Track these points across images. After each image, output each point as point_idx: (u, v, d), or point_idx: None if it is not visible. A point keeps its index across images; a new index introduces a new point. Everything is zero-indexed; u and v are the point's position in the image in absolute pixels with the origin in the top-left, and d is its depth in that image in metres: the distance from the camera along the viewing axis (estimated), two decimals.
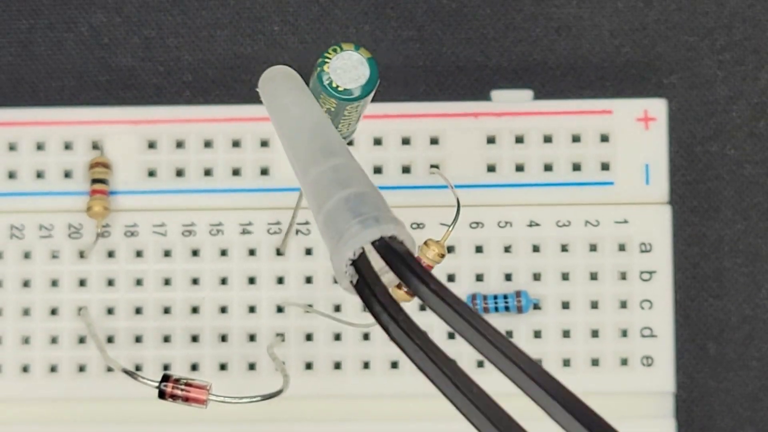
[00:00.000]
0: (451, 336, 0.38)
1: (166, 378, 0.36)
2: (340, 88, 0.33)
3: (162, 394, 0.36)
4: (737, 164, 0.43)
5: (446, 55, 0.44)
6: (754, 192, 0.43)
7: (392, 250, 0.29)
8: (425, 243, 0.36)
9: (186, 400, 0.36)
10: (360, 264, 0.29)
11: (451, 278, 0.40)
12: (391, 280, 0.30)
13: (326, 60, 0.33)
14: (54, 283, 0.40)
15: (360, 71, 0.33)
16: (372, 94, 0.33)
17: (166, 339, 0.40)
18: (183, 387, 0.36)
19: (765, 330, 0.43)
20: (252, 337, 0.40)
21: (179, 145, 0.40)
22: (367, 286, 0.29)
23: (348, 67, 0.33)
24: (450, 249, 0.40)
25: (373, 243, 0.29)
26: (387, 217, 0.29)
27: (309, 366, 0.40)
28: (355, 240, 0.29)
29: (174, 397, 0.36)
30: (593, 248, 0.40)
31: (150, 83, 0.44)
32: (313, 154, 0.31)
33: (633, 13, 0.43)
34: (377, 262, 0.29)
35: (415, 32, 0.44)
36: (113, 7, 0.44)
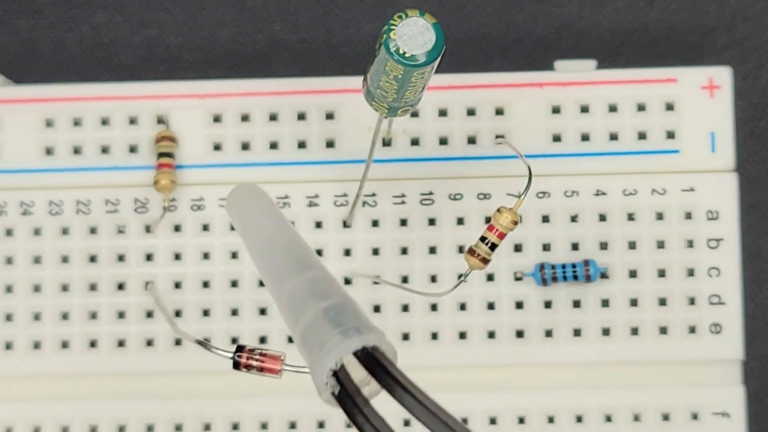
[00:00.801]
0: None
1: (240, 348, 0.36)
2: (407, 55, 0.33)
3: (237, 365, 0.36)
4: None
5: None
6: (752, 190, 0.44)
7: (375, 360, 0.28)
8: (498, 210, 0.36)
9: (260, 370, 0.36)
10: (341, 375, 0.28)
11: (518, 248, 0.40)
12: (374, 391, 0.29)
13: (392, 27, 0.33)
14: (120, 258, 0.40)
15: (426, 37, 0.33)
16: (438, 61, 0.33)
17: (234, 312, 0.40)
18: (258, 357, 0.35)
19: None
20: None
21: (245, 118, 0.40)
22: (349, 397, 0.28)
23: (414, 33, 0.33)
24: None
25: (354, 353, 0.29)
26: (368, 327, 0.29)
27: None
28: (337, 350, 0.28)
29: (248, 367, 0.36)
30: (660, 216, 0.40)
31: None
32: (288, 268, 0.31)
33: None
34: (357, 374, 0.29)
35: None
36: (114, 6, 0.44)
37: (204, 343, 0.36)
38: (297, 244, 0.32)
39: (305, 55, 0.45)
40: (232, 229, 0.40)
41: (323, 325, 0.29)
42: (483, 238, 0.36)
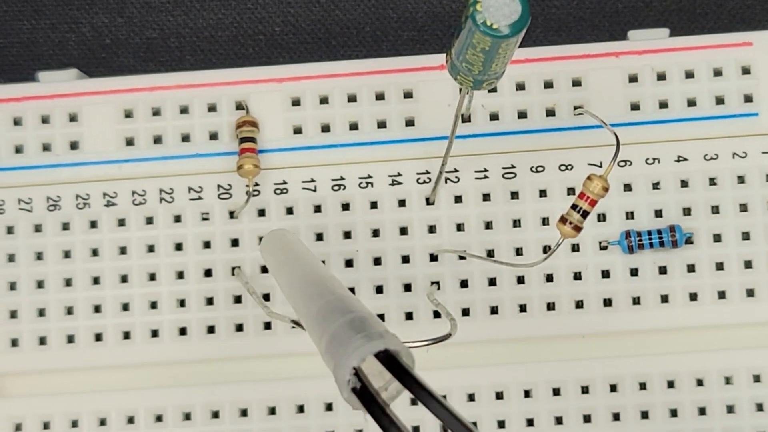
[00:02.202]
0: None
1: None
2: (494, 26, 0.33)
3: None
4: None
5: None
6: None
7: (396, 361, 0.30)
8: (588, 177, 0.36)
9: None
10: (362, 374, 0.30)
11: (601, 217, 0.40)
12: (390, 397, 0.30)
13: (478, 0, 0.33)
14: (206, 245, 0.40)
15: (512, 8, 0.33)
16: (524, 31, 0.33)
17: None
18: None
19: None
20: (407, 287, 0.40)
21: (323, 100, 0.40)
22: (368, 393, 0.29)
23: (500, 4, 0.33)
24: None
25: (377, 355, 0.30)
26: (390, 335, 0.30)
27: (466, 312, 0.40)
28: (361, 350, 0.30)
29: None
30: (741, 180, 0.40)
31: None
32: (318, 290, 0.33)
33: None
34: (376, 381, 0.30)
35: (416, 33, 0.45)
36: (115, 8, 0.45)
37: (299, 323, 0.37)
38: (322, 273, 0.34)
39: (306, 56, 0.46)
40: (317, 210, 0.40)
41: (347, 332, 0.30)
42: (574, 206, 0.36)
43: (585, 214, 0.36)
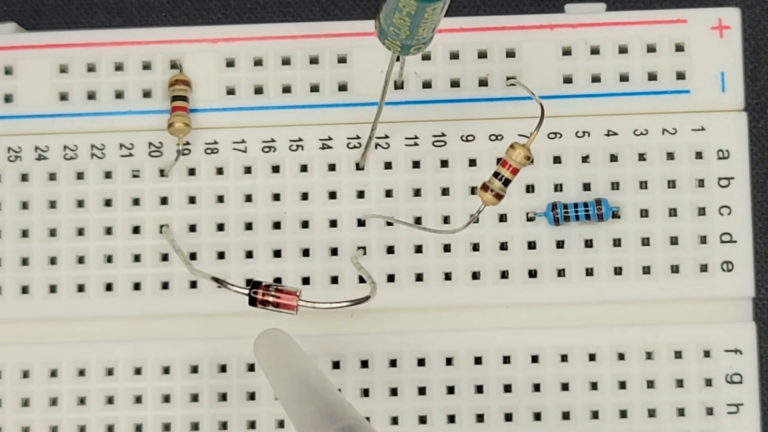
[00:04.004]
0: None
1: (256, 285, 0.36)
2: None
3: (253, 301, 0.36)
4: None
5: None
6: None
7: None
8: (511, 146, 0.36)
9: (276, 306, 0.36)
10: None
11: (529, 189, 0.40)
12: None
13: None
14: (135, 202, 0.40)
15: None
16: None
17: (249, 254, 0.40)
18: (273, 293, 0.36)
19: None
20: (334, 251, 0.40)
21: (258, 62, 0.40)
22: None
23: None
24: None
25: None
26: None
27: (391, 278, 0.40)
28: None
29: (265, 303, 0.36)
30: (671, 156, 0.40)
31: None
32: (309, 396, 0.33)
33: None
34: None
35: None
36: (115, 8, 0.45)
37: (220, 280, 0.37)
38: (315, 375, 0.34)
39: None
40: (247, 172, 0.40)
41: None
42: (496, 174, 0.36)
43: (507, 182, 0.36)
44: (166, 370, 0.40)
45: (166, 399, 0.40)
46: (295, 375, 0.35)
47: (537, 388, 0.40)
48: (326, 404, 0.33)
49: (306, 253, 0.40)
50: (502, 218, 0.40)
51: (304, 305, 0.36)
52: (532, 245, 0.40)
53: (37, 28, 0.44)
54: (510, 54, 0.40)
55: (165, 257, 0.40)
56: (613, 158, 0.40)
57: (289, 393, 0.34)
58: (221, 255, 0.40)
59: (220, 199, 0.40)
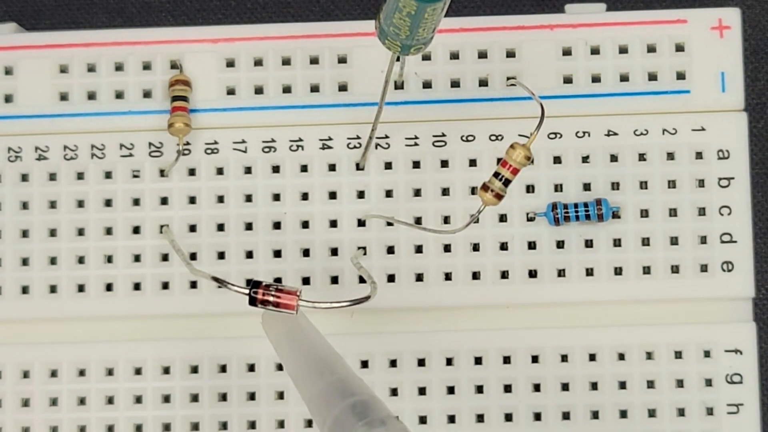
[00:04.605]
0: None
1: (256, 284, 0.36)
2: None
3: (253, 301, 0.36)
4: None
5: None
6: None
7: None
8: (511, 146, 0.36)
9: (276, 305, 0.36)
10: None
11: (530, 189, 0.40)
12: None
13: None
14: (136, 202, 0.40)
15: None
16: None
17: (249, 255, 0.40)
18: (273, 293, 0.36)
19: None
20: (334, 251, 0.40)
21: (258, 62, 0.40)
22: None
23: None
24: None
25: None
26: (392, 421, 0.30)
27: (391, 278, 0.40)
28: None
29: (265, 303, 0.36)
30: (671, 156, 0.40)
31: None
32: (320, 370, 0.33)
33: None
34: None
35: None
36: (115, 8, 0.45)
37: (220, 280, 0.37)
38: (327, 351, 0.34)
39: None
40: (247, 172, 0.40)
41: (349, 418, 0.30)
42: (496, 174, 0.36)
43: (507, 183, 0.36)
44: (166, 370, 0.40)
45: (166, 399, 0.40)
46: (306, 349, 0.34)
47: (537, 388, 0.40)
48: (337, 379, 0.32)
49: (306, 253, 0.40)
50: (503, 218, 0.40)
51: (305, 305, 0.36)
52: (532, 245, 0.40)
53: (37, 28, 0.45)
54: (510, 54, 0.40)
55: (165, 257, 0.40)
56: (614, 158, 0.40)
57: (299, 367, 0.34)
58: (221, 255, 0.40)
59: (221, 199, 0.40)
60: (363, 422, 0.30)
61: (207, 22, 0.45)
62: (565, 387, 0.40)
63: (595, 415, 0.39)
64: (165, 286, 0.40)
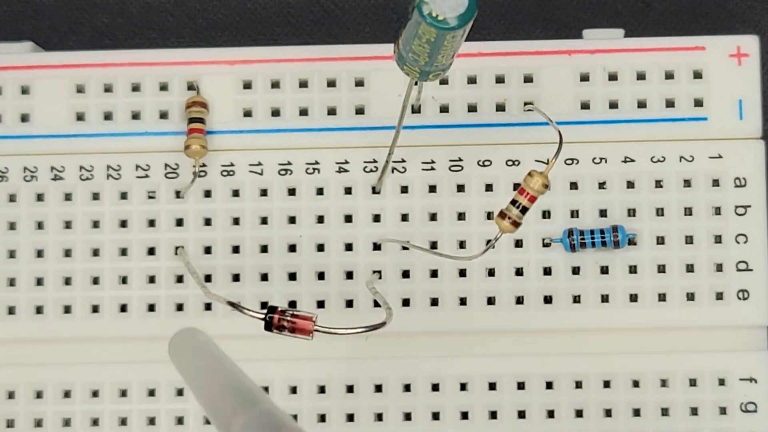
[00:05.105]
0: None
1: (272, 309, 0.36)
2: (440, 18, 0.33)
3: (268, 326, 0.36)
4: None
5: None
6: None
7: None
8: (529, 174, 0.36)
9: (292, 331, 0.36)
10: None
11: (546, 214, 0.40)
12: None
13: None
14: (151, 223, 0.40)
15: (459, 0, 0.33)
16: (470, 24, 0.33)
17: (264, 277, 0.40)
18: (289, 318, 0.36)
19: None
20: (349, 275, 0.40)
21: (275, 85, 0.40)
22: None
23: None
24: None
25: None
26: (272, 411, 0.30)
27: (406, 303, 0.40)
28: None
29: (280, 328, 0.36)
30: (687, 183, 0.40)
31: None
32: (240, 404, 0.31)
33: None
34: None
35: None
36: (116, 8, 0.45)
37: (236, 305, 0.37)
38: (242, 381, 0.33)
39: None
40: (263, 194, 0.40)
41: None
42: (514, 202, 0.36)
43: (524, 210, 0.36)
44: (180, 392, 0.40)
45: (180, 421, 0.40)
46: (224, 381, 0.33)
47: (551, 414, 0.40)
48: (264, 411, 0.31)
49: (321, 276, 0.40)
50: (518, 244, 0.40)
51: (321, 330, 0.36)
52: (547, 271, 0.40)
53: (36, 28, 0.44)
54: (528, 79, 0.40)
55: (180, 279, 0.40)
56: (630, 185, 0.40)
57: (211, 404, 0.33)
58: (236, 277, 0.40)
59: (236, 221, 0.40)
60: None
61: (207, 21, 0.44)
62: (579, 414, 0.40)
63: None
64: (179, 307, 0.40)
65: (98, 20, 0.44)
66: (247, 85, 0.40)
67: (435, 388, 0.40)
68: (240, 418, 0.31)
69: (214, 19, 0.44)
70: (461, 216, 0.40)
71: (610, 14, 0.45)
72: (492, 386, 0.40)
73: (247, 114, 0.40)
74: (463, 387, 0.40)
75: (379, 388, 0.40)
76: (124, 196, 0.40)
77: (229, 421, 0.31)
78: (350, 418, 0.40)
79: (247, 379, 0.33)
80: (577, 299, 0.40)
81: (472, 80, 0.40)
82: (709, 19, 0.44)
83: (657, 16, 0.44)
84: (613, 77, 0.40)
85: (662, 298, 0.40)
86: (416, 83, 0.38)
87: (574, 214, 0.40)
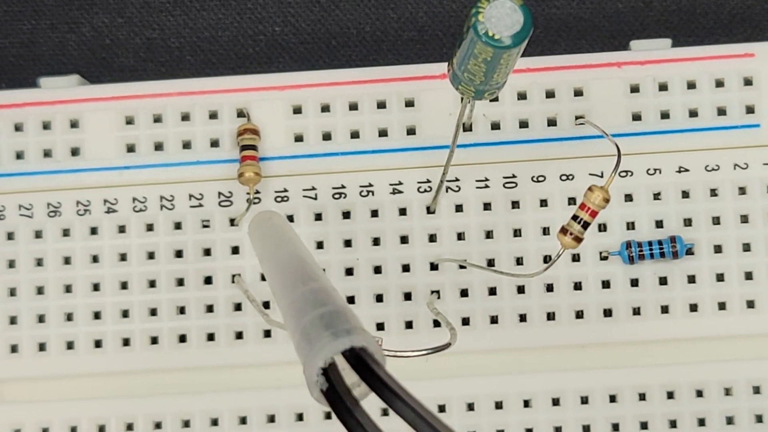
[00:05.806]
0: None
1: None
2: (496, 37, 0.33)
3: None
4: None
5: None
6: None
7: (361, 360, 0.29)
8: (589, 188, 0.36)
9: None
10: (331, 374, 0.29)
11: (602, 227, 0.40)
12: (364, 392, 0.29)
13: (480, 9, 0.33)
14: (207, 252, 0.40)
15: (514, 18, 0.33)
16: (526, 42, 0.33)
17: None
18: None
19: None
20: (407, 296, 0.40)
21: (325, 108, 0.40)
22: (337, 395, 0.28)
23: (502, 15, 0.33)
24: None
25: (344, 353, 0.29)
26: (358, 330, 0.30)
27: (466, 321, 0.40)
28: (327, 349, 0.29)
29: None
30: (742, 191, 0.40)
31: None
32: (294, 280, 0.32)
33: None
34: (350, 377, 0.29)
35: (416, 33, 0.45)
36: (115, 8, 0.45)
37: None
38: (303, 260, 0.33)
39: (306, 56, 0.45)
40: (317, 219, 0.40)
41: (317, 328, 0.30)
42: (575, 217, 0.36)
43: (586, 225, 0.36)
44: (243, 420, 0.40)
45: None
46: (284, 259, 0.34)
47: (616, 427, 0.40)
48: (310, 290, 0.31)
49: (380, 298, 0.40)
50: (575, 258, 0.40)
51: (387, 354, 0.36)
52: (606, 284, 0.40)
53: (36, 29, 0.44)
54: (578, 93, 0.40)
55: (238, 307, 0.40)
56: (685, 194, 0.40)
57: (276, 278, 0.33)
58: None
59: None
60: (328, 332, 0.29)
61: (207, 21, 0.44)
62: (644, 426, 0.39)
63: None
64: (239, 335, 0.40)
65: (98, 20, 0.44)
66: (297, 110, 0.40)
67: (498, 406, 0.40)
68: (293, 294, 0.31)
69: (214, 19, 0.44)
70: (517, 232, 0.40)
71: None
72: (555, 402, 0.40)
73: (299, 139, 0.40)
74: (526, 404, 0.40)
75: (441, 408, 0.40)
76: (178, 226, 0.40)
77: (288, 291, 0.32)
78: None
79: (310, 256, 0.34)
80: (636, 311, 0.40)
81: (522, 96, 0.40)
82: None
83: (656, 16, 0.44)
84: (663, 87, 0.40)
85: (722, 306, 0.40)
86: (469, 101, 0.38)
87: (630, 226, 0.40)
